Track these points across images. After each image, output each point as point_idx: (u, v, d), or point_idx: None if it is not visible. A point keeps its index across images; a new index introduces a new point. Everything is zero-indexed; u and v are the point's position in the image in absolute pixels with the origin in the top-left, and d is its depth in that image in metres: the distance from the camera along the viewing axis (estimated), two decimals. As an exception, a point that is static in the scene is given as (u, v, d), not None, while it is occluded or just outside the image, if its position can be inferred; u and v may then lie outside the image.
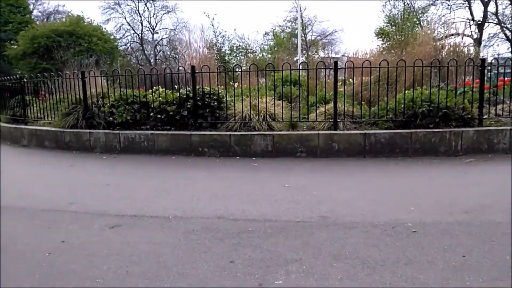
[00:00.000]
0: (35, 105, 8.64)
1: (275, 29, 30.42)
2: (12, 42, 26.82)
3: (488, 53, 25.32)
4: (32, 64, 22.92)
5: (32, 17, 38.39)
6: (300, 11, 24.41)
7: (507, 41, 25.18)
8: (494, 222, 3.03)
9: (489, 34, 26.44)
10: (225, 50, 16.67)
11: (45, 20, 38.16)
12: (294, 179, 4.57)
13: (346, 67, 6.35)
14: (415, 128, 5.73)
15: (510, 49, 24.74)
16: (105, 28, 28.72)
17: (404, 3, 21.68)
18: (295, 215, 3.33)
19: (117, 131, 6.55)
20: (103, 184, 4.55)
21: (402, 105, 5.93)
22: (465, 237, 2.78)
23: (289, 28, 31.53)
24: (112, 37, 28.81)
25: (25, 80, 8.77)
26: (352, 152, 5.66)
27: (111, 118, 6.75)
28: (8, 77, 9.35)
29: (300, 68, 7.29)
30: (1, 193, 4.15)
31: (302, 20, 24.64)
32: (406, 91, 6.03)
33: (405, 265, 2.39)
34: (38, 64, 22.75)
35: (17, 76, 8.91)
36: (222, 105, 6.51)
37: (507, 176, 4.35)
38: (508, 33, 25.01)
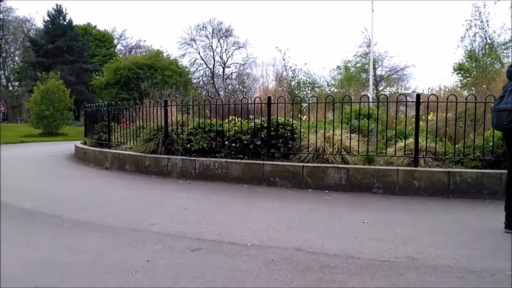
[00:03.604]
0: (117, 131, 9.32)
1: (346, 62, 30.57)
2: (97, 73, 29.57)
3: None
4: (113, 94, 24.96)
5: (116, 50, 42.36)
6: (371, 45, 24.23)
7: None
8: None
9: None
10: (294, 84, 16.95)
11: (128, 53, 41.78)
12: (372, 216, 4.36)
13: (429, 101, 6.05)
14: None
15: None
16: (180, 62, 30.79)
17: (485, 38, 20.58)
18: (379, 254, 3.15)
19: (193, 158, 6.80)
20: (181, 208, 4.69)
21: (491, 143, 5.51)
22: None
23: (359, 63, 31.48)
24: (186, 70, 30.70)
25: (111, 108, 9.51)
26: (435, 191, 5.31)
27: (188, 145, 7.04)
28: (96, 104, 10.22)
29: (379, 100, 7.09)
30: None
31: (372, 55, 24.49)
32: (496, 129, 5.61)
33: (516, 319, 2.12)
34: (119, 93, 24.72)
35: (102, 103, 9.70)
36: (295, 136, 6.52)
37: None
38: None
